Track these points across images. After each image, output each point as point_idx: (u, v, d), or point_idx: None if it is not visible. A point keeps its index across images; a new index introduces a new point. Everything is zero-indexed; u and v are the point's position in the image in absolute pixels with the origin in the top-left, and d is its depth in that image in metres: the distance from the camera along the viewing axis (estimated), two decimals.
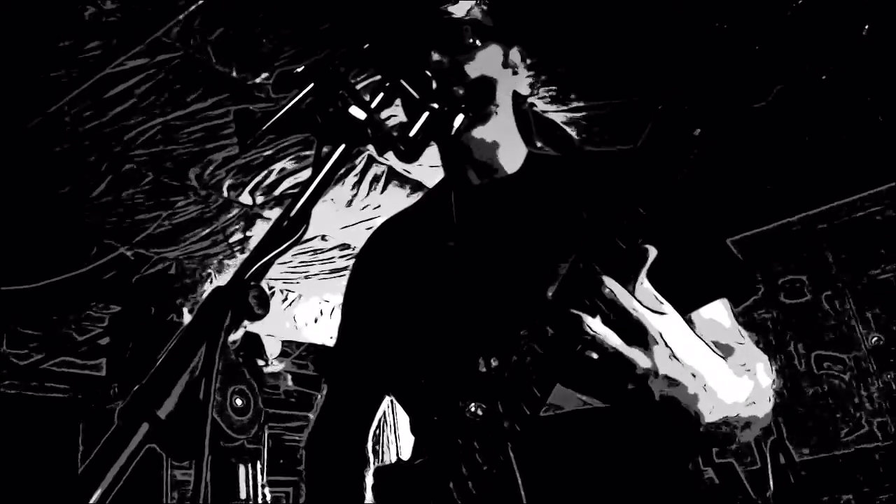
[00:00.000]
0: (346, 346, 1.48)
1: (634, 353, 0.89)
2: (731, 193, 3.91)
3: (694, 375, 0.92)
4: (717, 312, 1.15)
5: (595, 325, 0.89)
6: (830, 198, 4.23)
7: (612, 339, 0.89)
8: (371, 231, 1.53)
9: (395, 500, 1.09)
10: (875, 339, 3.98)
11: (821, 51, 0.87)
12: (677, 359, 0.91)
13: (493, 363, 1.08)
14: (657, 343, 0.90)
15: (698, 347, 0.95)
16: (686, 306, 1.12)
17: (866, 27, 0.86)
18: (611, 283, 0.89)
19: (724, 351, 1.04)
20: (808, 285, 4.24)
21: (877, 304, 4.03)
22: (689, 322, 1.12)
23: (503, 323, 1.04)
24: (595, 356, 0.90)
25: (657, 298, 0.93)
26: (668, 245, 0.93)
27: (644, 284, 0.92)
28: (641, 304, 0.90)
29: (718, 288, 1.17)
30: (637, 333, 0.90)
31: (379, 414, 1.46)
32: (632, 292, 0.90)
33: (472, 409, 0.99)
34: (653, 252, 0.91)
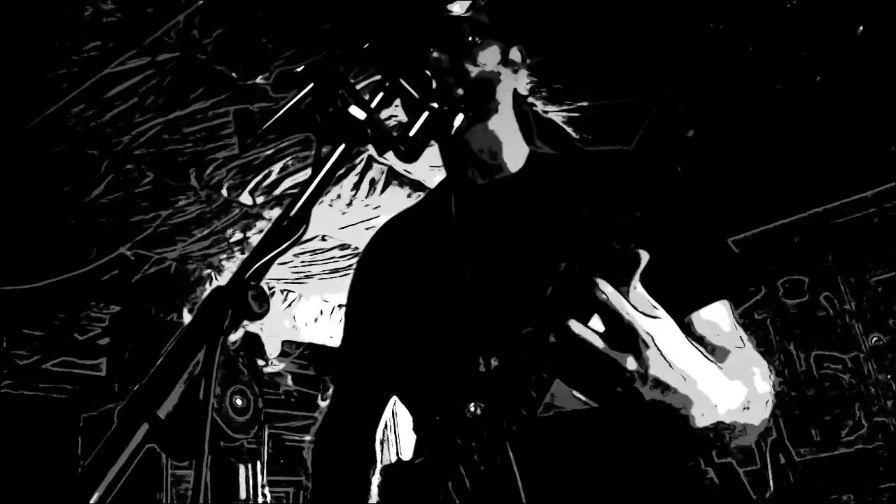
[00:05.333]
0: (351, 347, 1.49)
1: (621, 357, 0.89)
2: (731, 193, 3.90)
3: (685, 380, 0.91)
4: (717, 314, 1.15)
5: (577, 326, 0.89)
6: (830, 198, 4.23)
7: (596, 341, 0.89)
8: (371, 231, 1.53)
9: (398, 499, 1.09)
10: (875, 339, 3.98)
11: (816, 51, 0.87)
12: (668, 363, 0.90)
13: (494, 363, 1.08)
14: (648, 347, 0.89)
15: (690, 352, 0.94)
16: (686, 307, 1.12)
17: (861, 28, 0.86)
18: (604, 286, 0.89)
19: (721, 354, 1.04)
20: (808, 285, 4.24)
21: (877, 304, 4.03)
22: (689, 323, 1.12)
23: (504, 323, 1.04)
24: (582, 356, 0.90)
25: (650, 303, 0.92)
26: (668, 245, 0.92)
27: (637, 289, 0.91)
28: (634, 307, 0.90)
29: (719, 289, 1.17)
30: (628, 336, 0.90)
31: (385, 414, 1.46)
32: (625, 295, 0.90)
33: (472, 409, 0.99)
34: (645, 256, 0.91)
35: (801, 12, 0.84)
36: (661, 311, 0.93)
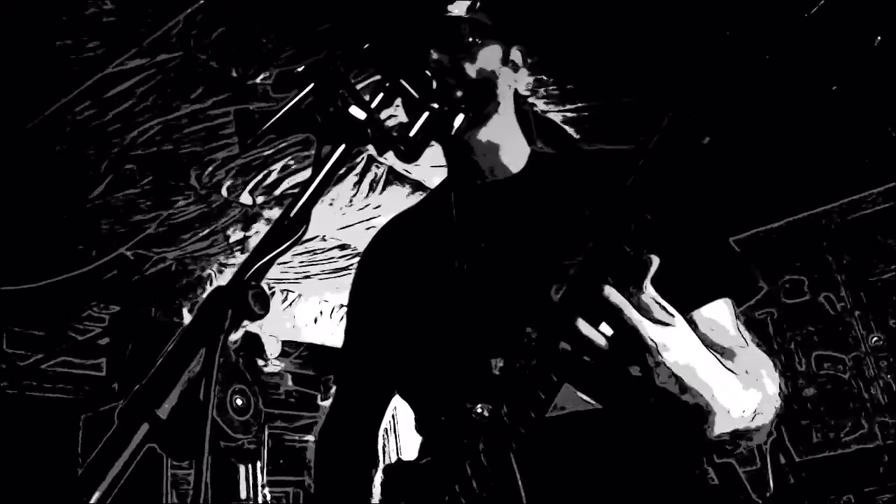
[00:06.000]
0: (354, 347, 1.49)
1: (626, 364, 0.89)
2: (731, 193, 3.90)
3: (699, 389, 0.91)
4: (719, 312, 1.15)
5: (585, 327, 0.89)
6: (830, 198, 4.23)
7: (603, 345, 0.89)
8: (372, 231, 1.53)
9: (402, 499, 1.09)
10: (875, 339, 3.98)
11: (832, 61, 0.87)
12: (676, 373, 0.90)
13: (498, 364, 1.08)
14: (653, 356, 0.89)
15: (706, 360, 0.94)
16: (687, 305, 1.12)
17: (879, 38, 0.86)
18: (610, 293, 0.89)
19: (726, 354, 1.04)
20: (808, 285, 4.24)
21: (877, 303, 4.03)
22: (691, 322, 1.12)
23: (508, 323, 1.04)
24: (588, 360, 0.90)
25: (665, 308, 0.92)
26: (670, 244, 0.92)
27: (651, 293, 0.91)
28: (647, 313, 0.90)
29: (721, 287, 1.17)
30: (633, 344, 0.89)
31: (388, 413, 1.46)
32: (636, 301, 0.90)
33: (478, 410, 0.98)
34: (656, 261, 0.90)
35: (820, 22, 0.84)
36: (676, 319, 0.92)
